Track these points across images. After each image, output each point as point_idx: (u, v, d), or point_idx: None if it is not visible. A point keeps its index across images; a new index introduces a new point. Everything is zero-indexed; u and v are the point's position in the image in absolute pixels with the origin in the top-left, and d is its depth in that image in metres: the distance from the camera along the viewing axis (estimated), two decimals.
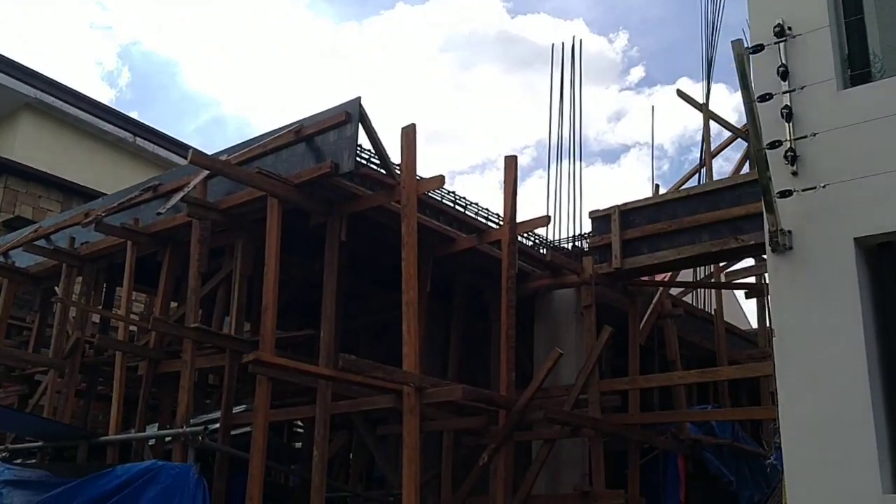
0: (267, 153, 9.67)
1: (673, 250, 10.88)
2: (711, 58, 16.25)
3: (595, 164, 55.47)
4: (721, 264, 13.84)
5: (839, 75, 5.70)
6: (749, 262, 13.45)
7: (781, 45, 5.85)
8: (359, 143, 9.16)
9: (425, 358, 10.62)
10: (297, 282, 11.71)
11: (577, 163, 12.82)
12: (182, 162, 19.09)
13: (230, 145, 10.31)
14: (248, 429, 9.99)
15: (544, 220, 10.56)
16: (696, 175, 15.60)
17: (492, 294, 11.81)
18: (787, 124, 5.71)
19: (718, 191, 10.75)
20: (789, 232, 5.58)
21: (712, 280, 14.27)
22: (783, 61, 5.82)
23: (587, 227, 12.88)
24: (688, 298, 15.69)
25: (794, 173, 5.66)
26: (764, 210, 5.74)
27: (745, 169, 15.94)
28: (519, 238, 10.98)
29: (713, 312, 14.37)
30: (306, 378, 9.01)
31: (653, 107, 22.40)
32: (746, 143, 16.43)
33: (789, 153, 5.65)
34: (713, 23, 16.23)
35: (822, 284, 5.38)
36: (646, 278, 11.97)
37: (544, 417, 9.39)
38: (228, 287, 10.52)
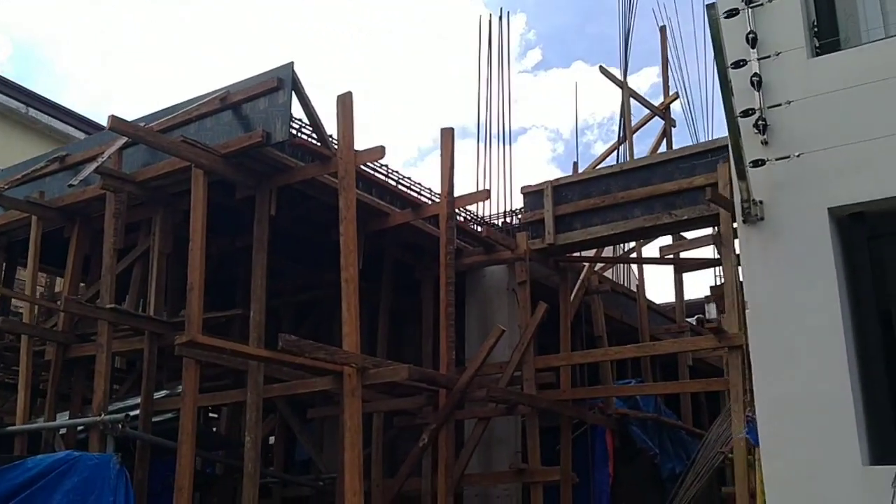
0: (189, 121, 9.04)
1: (606, 226, 10.79)
2: (629, 35, 16.35)
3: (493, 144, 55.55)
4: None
5: (808, 43, 5.60)
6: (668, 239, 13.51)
7: (750, 11, 5.70)
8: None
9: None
10: (213, 260, 11.06)
11: (507, 138, 12.53)
12: (79, 136, 17.97)
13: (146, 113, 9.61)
14: (169, 415, 9.44)
15: (484, 195, 10.32)
16: (616, 152, 15.67)
17: (424, 271, 11.52)
18: (756, 92, 5.58)
19: (651, 166, 10.70)
20: (760, 202, 5.46)
21: (633, 255, 14.34)
22: (752, 28, 5.68)
23: (517, 203, 12.80)
24: (606, 274, 15.80)
25: (765, 142, 5.55)
26: (735, 179, 5.61)
27: (663, 147, 16.15)
28: None
29: (636, 288, 14.47)
30: (237, 361, 8.49)
31: (576, 83, 22.38)
32: (663, 122, 16.64)
33: (760, 122, 5.53)
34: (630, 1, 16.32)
35: (796, 256, 5.30)
36: (577, 254, 11.86)
37: (486, 396, 9.17)
38: (144, 265, 9.86)
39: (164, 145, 8.30)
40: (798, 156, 5.29)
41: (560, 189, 11.30)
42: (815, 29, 5.72)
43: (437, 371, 9.26)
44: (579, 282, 12.52)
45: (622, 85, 15.45)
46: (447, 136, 9.81)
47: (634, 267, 15.78)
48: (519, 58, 54.16)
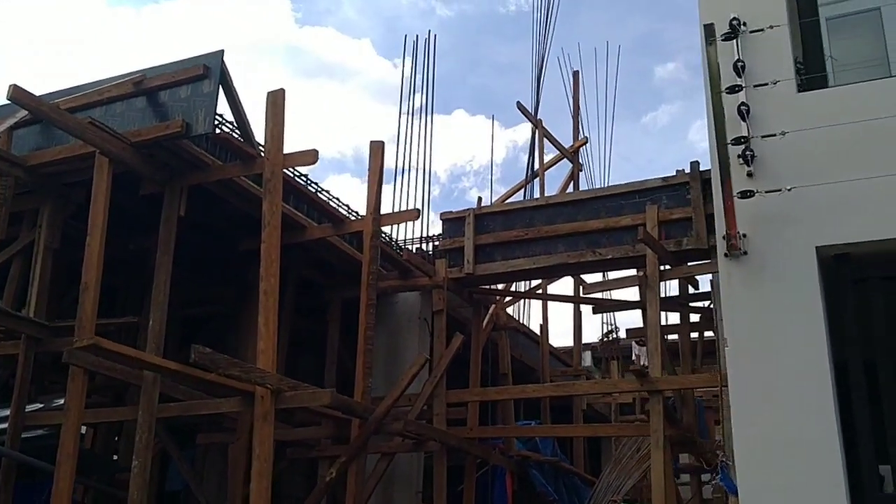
0: (97, 104, 8.12)
1: (528, 259, 10.45)
2: (541, 76, 16.35)
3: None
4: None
5: (796, 77, 5.43)
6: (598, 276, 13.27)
7: (737, 40, 5.49)
8: None
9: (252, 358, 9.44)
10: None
11: (427, 164, 12.07)
12: None
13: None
14: (40, 432, 8.33)
15: (413, 214, 9.80)
16: (524, 190, 15.51)
17: (333, 292, 10.84)
18: (742, 122, 5.35)
19: (577, 202, 10.48)
20: (744, 236, 5.19)
21: (539, 292, 14.08)
22: (740, 56, 5.46)
23: (433, 229, 12.35)
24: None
25: (750, 174, 5.29)
26: (718, 210, 5.32)
27: (570, 188, 16.12)
28: None
29: (539, 329, 14.21)
30: (132, 374, 7.54)
31: (493, 120, 22.17)
32: (571, 164, 16.66)
33: (747, 152, 5.28)
34: (544, 47, 16.37)
35: (780, 293, 5.03)
36: (497, 286, 11.47)
37: (403, 429, 8.53)
38: (24, 261, 8.75)
39: (70, 125, 7.36)
40: (790, 189, 5.06)
41: (482, 218, 10.91)
42: (800, 65, 5.55)
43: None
44: (488, 317, 12.13)
45: (537, 123, 15.35)
46: (376, 149, 9.25)
47: (535, 307, 15.64)
48: (407, 99, 54.02)
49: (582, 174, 16.99)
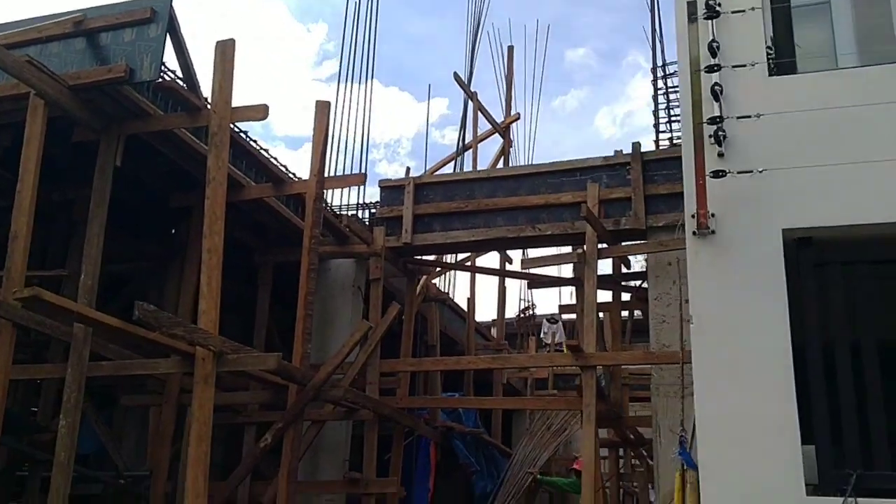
0: (30, 42, 7.61)
1: (467, 231, 10.44)
2: (475, 48, 16.31)
3: (279, 147, 54.08)
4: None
5: (767, 62, 5.52)
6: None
7: (713, 21, 5.54)
8: None
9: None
10: None
11: (365, 130, 11.84)
12: None
13: None
14: None
15: (359, 179, 9.61)
16: (454, 162, 15.48)
17: (264, 255, 10.56)
18: (715, 103, 5.41)
19: (518, 177, 10.51)
20: (713, 215, 5.27)
21: (469, 265, 14.08)
22: (714, 37, 5.52)
23: (365, 198, 12.16)
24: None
25: (721, 154, 5.37)
26: (689, 188, 5.38)
27: (500, 164, 16.18)
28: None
29: (466, 302, 14.21)
30: (62, 330, 7.15)
31: (429, 85, 21.96)
32: (502, 140, 16.70)
33: (719, 133, 5.35)
34: (479, 19, 16.32)
35: (746, 273, 5.15)
36: (430, 257, 11.41)
37: (343, 396, 8.40)
38: None
39: (7, 63, 6.86)
40: (761, 171, 5.15)
41: (422, 188, 10.83)
42: (770, 50, 5.65)
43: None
44: (419, 288, 12.06)
45: (472, 96, 15.30)
46: (322, 109, 9.00)
47: (461, 280, 15.63)
48: (315, 66, 53.14)
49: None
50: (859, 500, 4.58)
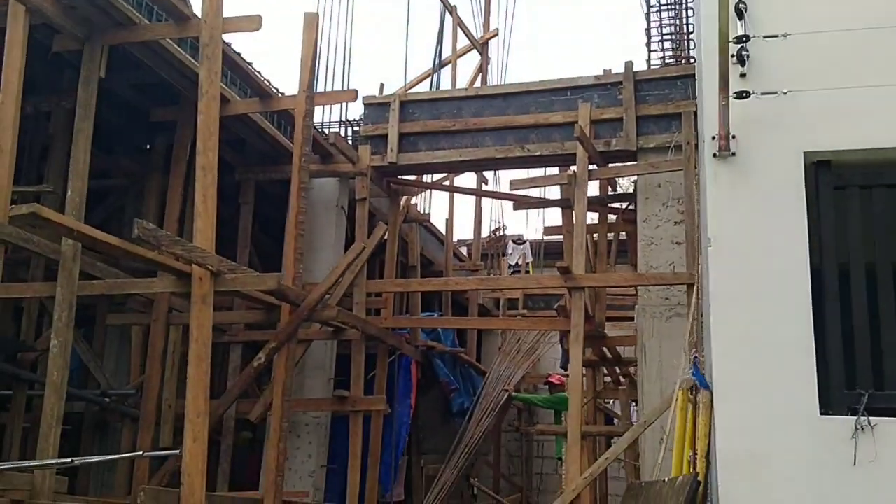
0: None
1: (454, 150, 10.31)
2: None
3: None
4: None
5: None
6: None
7: None
8: None
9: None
10: None
11: (347, 43, 11.49)
12: None
13: None
14: None
15: (350, 95, 9.33)
16: (430, 78, 15.15)
17: (246, 173, 10.32)
18: (739, 21, 5.30)
19: (506, 95, 10.34)
20: (734, 137, 5.22)
21: (446, 185, 13.94)
22: None
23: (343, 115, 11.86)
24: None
25: (743, 75, 5.29)
26: (707, 109, 5.32)
27: (478, 83, 15.90)
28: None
29: (445, 223, 14.13)
30: (49, 248, 6.93)
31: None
32: (480, 56, 16.38)
33: (743, 52, 5.25)
34: None
35: (766, 195, 5.12)
36: (413, 177, 11.27)
37: (338, 316, 8.34)
38: None
39: None
40: (786, 93, 5.09)
41: (407, 105, 10.62)
42: None
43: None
44: (401, 207, 11.94)
45: (451, 10, 14.91)
46: (310, 22, 8.68)
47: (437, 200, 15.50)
48: None
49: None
50: (871, 419, 4.69)
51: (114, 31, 7.41)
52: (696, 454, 5.59)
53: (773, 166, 5.17)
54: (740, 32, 5.26)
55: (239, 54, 9.09)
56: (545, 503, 16.83)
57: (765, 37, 5.15)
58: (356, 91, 9.33)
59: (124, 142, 10.41)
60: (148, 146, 10.49)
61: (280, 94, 8.98)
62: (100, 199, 10.94)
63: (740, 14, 5.30)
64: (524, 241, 18.86)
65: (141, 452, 7.30)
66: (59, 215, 6.31)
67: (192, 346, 6.57)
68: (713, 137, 5.26)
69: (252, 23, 7.26)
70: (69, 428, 8.85)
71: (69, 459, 6.62)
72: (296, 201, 8.27)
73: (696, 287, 7.54)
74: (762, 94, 5.15)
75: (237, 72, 8.66)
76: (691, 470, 5.55)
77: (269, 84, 9.72)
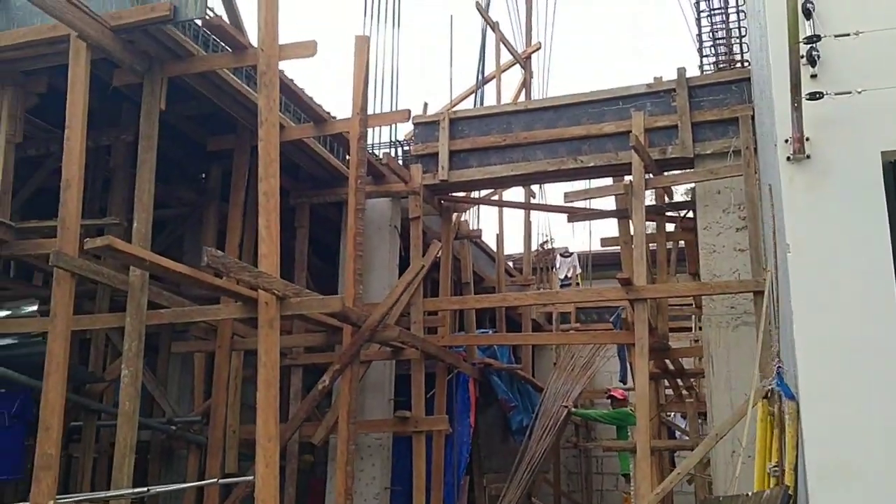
0: None
1: (505, 166, 10.26)
2: None
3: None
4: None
5: None
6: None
7: None
8: None
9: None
10: (58, 158, 9.21)
11: (395, 65, 11.53)
12: None
13: None
14: (10, 340, 7.76)
15: (403, 115, 9.35)
16: (474, 95, 15.17)
17: (299, 197, 10.38)
18: (807, 21, 5.19)
19: (557, 108, 10.25)
20: (807, 139, 5.10)
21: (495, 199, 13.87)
22: None
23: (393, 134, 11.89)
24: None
25: (814, 76, 5.18)
26: (780, 112, 5.20)
27: (521, 97, 15.87)
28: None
29: (495, 238, 14.07)
30: (118, 279, 7.02)
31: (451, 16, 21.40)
32: (523, 71, 16.35)
33: (813, 52, 5.15)
34: None
35: (844, 197, 5.01)
36: (471, 194, 11.24)
37: (400, 336, 8.33)
38: None
39: (48, 3, 6.56)
40: (860, 92, 4.97)
41: (457, 122, 10.61)
42: None
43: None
44: (452, 225, 11.92)
45: (494, 26, 14.94)
46: (361, 45, 8.73)
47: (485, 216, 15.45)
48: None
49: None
50: None
51: (172, 64, 7.51)
52: (777, 466, 5.45)
53: (850, 167, 5.05)
54: (809, 33, 5.16)
55: (292, 80, 9.18)
56: None
57: (835, 36, 5.04)
58: (409, 111, 9.35)
59: (181, 171, 10.54)
60: (203, 175, 10.64)
61: (332, 118, 9.01)
62: (160, 229, 11.08)
63: (808, 14, 5.20)
64: (571, 254, 18.76)
65: (215, 480, 7.31)
66: (133, 247, 6.39)
67: (261, 370, 6.58)
68: (786, 141, 5.16)
69: (307, 49, 7.30)
70: (136, 456, 8.94)
71: (145, 489, 6.67)
72: (353, 223, 8.28)
73: (765, 294, 7.39)
74: (836, 94, 5.03)
75: (290, 97, 8.71)
76: (772, 483, 5.41)
77: (320, 108, 9.81)
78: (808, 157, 5.11)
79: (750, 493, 5.52)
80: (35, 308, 7.91)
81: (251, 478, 6.34)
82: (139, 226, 7.21)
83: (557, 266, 18.46)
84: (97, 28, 6.92)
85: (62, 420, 6.36)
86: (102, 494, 6.47)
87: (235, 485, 7.83)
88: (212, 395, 8.67)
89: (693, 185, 9.76)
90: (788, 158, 5.14)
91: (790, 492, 4.85)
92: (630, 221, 9.51)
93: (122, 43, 7.20)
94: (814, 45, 5.15)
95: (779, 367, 5.21)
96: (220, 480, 7.28)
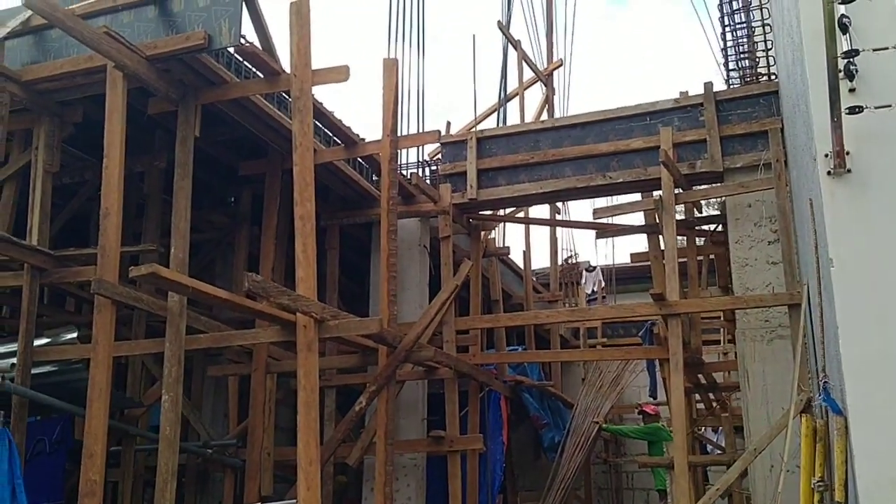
0: (101, 12, 7.43)
1: (534, 183, 10.28)
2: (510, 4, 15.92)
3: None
4: None
5: None
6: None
7: None
8: None
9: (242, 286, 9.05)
10: (93, 186, 9.34)
11: (420, 87, 11.62)
12: None
13: None
14: (50, 367, 7.84)
15: (433, 136, 9.44)
16: (497, 112, 15.23)
17: (329, 219, 10.43)
18: (843, 35, 5.19)
19: (585, 125, 10.28)
20: (848, 153, 5.09)
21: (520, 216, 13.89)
22: None
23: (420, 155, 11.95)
24: None
25: (853, 90, 5.17)
26: (818, 128, 5.20)
27: (544, 115, 15.92)
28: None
29: (522, 255, 14.09)
30: (157, 305, 7.09)
31: (473, 36, 21.55)
32: (545, 88, 16.41)
33: (851, 66, 5.15)
34: None
35: (887, 210, 4.99)
36: (498, 212, 11.27)
37: (435, 356, 8.34)
38: (16, 186, 8.10)
39: (86, 35, 6.67)
40: None
41: (484, 141, 10.66)
42: None
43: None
44: (480, 243, 11.93)
45: (516, 44, 15.02)
46: (390, 67, 8.79)
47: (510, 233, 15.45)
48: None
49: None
50: None
51: (206, 91, 7.61)
52: (821, 481, 5.41)
53: (892, 180, 5.03)
54: (846, 47, 5.16)
55: (321, 103, 9.27)
56: None
57: (874, 49, 5.03)
58: (439, 132, 9.43)
59: (211, 196, 10.64)
60: (233, 199, 10.74)
61: (361, 140, 9.09)
62: (192, 253, 11.17)
63: (844, 28, 5.20)
64: (594, 268, 18.75)
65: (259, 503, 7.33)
66: (176, 273, 6.46)
67: (301, 393, 6.62)
68: (826, 155, 5.15)
69: (340, 74, 7.37)
70: None
71: None
72: (386, 244, 8.32)
73: (801, 308, 7.36)
74: (875, 107, 5.02)
75: (320, 120, 8.79)
76: (817, 499, 5.37)
77: (350, 130, 9.89)
78: (849, 171, 5.09)
79: None
80: (75, 335, 8.00)
81: (294, 501, 6.35)
82: (176, 251, 7.29)
83: (583, 281, 18.46)
84: (133, 58, 7.03)
85: (105, 447, 6.41)
86: None
87: None
88: (248, 418, 8.70)
89: (723, 198, 9.73)
90: (829, 173, 5.13)
91: None
92: (660, 236, 9.48)
93: (157, 72, 7.31)
94: (851, 60, 5.15)
95: (825, 381, 5.18)
96: None
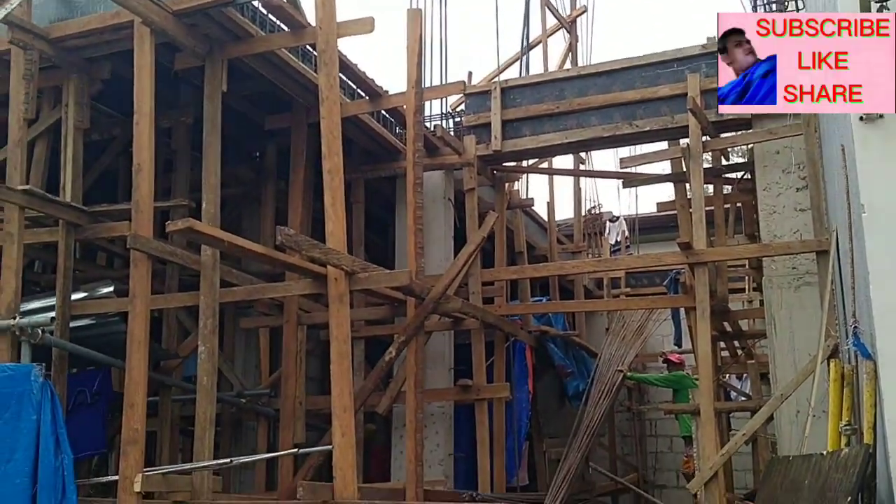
0: None
1: (559, 133, 10.24)
2: None
3: None
4: None
5: None
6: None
7: None
8: None
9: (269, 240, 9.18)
10: (121, 143, 9.44)
11: (443, 35, 11.54)
12: None
13: None
14: (88, 321, 8.02)
15: (458, 87, 9.42)
16: (519, 61, 15.10)
17: (353, 173, 10.45)
18: None
19: (610, 72, 10.18)
20: None
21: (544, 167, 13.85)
22: None
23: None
24: None
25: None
26: None
27: (567, 64, 15.77)
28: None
29: (546, 206, 14.09)
30: (191, 259, 7.22)
31: None
32: (568, 35, 16.22)
33: (883, 7, 5.08)
34: None
35: None
36: (523, 163, 11.26)
37: (462, 307, 8.44)
38: (47, 143, 8.20)
39: None
40: None
41: (508, 91, 10.60)
42: None
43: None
44: (504, 195, 11.95)
45: None
46: (414, 18, 8.74)
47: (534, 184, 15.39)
48: None
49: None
50: None
51: (232, 46, 7.63)
52: (848, 425, 5.48)
53: None
54: None
55: (345, 56, 9.25)
56: (662, 481, 16.70)
57: None
58: (464, 83, 9.42)
59: (237, 151, 10.70)
60: (258, 154, 10.80)
61: (386, 93, 9.08)
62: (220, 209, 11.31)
63: None
64: (617, 218, 18.68)
65: (296, 450, 7.53)
66: (212, 228, 6.57)
67: (333, 343, 6.75)
68: None
69: (365, 26, 7.36)
70: None
71: (227, 460, 6.90)
72: (412, 197, 8.37)
73: (830, 254, 7.36)
74: None
75: (345, 73, 8.79)
76: (844, 442, 5.45)
77: (374, 83, 9.88)
78: (881, 116, 5.06)
79: (825, 452, 5.56)
80: (111, 289, 8.17)
81: (329, 447, 6.52)
82: (208, 206, 7.39)
83: (607, 231, 18.43)
84: (160, 13, 7.05)
85: (145, 397, 6.59)
86: (188, 466, 6.71)
87: (308, 455, 8.04)
88: (279, 369, 8.88)
89: (751, 146, 9.66)
90: (861, 118, 5.09)
91: (871, 451, 4.88)
92: (687, 185, 9.46)
93: (184, 27, 7.33)
94: (884, 4, 5.08)
95: (854, 326, 5.21)
96: (302, 451, 7.49)
